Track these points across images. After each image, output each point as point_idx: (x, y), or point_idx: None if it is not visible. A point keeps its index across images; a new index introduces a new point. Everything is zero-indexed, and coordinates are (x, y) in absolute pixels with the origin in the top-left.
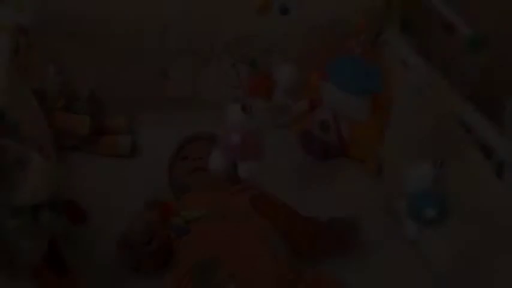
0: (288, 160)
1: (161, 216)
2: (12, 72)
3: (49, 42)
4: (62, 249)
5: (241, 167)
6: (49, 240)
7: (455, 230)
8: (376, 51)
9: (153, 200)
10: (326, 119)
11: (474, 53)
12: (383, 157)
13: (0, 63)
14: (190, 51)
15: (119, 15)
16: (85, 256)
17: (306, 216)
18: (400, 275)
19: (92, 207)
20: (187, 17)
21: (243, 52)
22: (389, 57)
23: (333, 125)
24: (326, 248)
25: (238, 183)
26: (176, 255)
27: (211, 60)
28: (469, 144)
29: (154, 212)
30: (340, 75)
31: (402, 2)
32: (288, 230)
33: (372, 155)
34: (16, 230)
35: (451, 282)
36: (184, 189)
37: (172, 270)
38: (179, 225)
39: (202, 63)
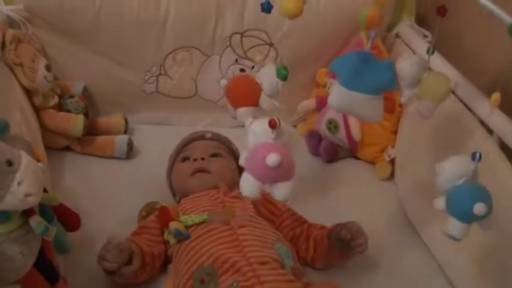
0: (295, 160)
1: (159, 222)
2: (1, 69)
3: (41, 37)
4: (54, 255)
5: (277, 189)
6: (40, 246)
7: (474, 235)
8: (388, 45)
9: (150, 205)
10: (334, 118)
11: None
12: (395, 159)
13: None
14: (190, 47)
15: (113, 8)
16: (78, 263)
17: (311, 223)
18: (416, 282)
19: (86, 212)
20: (186, 10)
21: (246, 47)
22: (402, 51)
23: (341, 124)
24: (330, 258)
25: None
26: (176, 262)
27: (213, 57)
28: (490, 146)
29: (153, 217)
30: (347, 73)
31: None
32: (292, 237)
33: (383, 156)
34: (6, 236)
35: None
36: (185, 193)
37: (172, 278)
38: (179, 231)
39: (202, 60)
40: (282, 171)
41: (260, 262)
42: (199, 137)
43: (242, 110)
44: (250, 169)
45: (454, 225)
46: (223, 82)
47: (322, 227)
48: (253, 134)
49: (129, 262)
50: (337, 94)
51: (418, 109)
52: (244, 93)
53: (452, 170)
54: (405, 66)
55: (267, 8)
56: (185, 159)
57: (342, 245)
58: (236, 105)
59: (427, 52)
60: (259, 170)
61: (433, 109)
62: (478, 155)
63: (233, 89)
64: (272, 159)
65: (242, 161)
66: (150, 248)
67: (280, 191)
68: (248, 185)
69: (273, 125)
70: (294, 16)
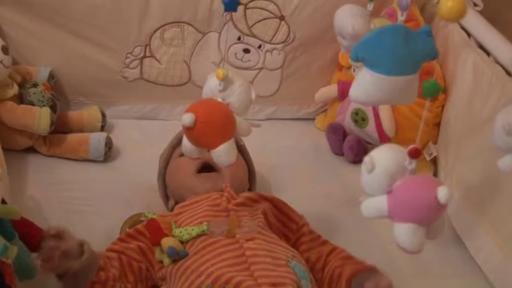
0: (313, 161)
1: (150, 240)
2: None
3: None
4: (14, 281)
5: (435, 228)
6: None
7: None
8: (427, 15)
9: (134, 218)
10: (361, 108)
11: None
12: (438, 158)
13: None
14: (182, 22)
15: None
16: None
17: (331, 247)
18: None
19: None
20: None
21: (251, 22)
22: (445, 24)
23: (370, 115)
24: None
25: (249, 190)
26: (169, 285)
27: (209, 34)
28: None
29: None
30: (388, 56)
31: None
32: (307, 261)
33: (423, 155)
34: None
35: None
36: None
37: None
38: (173, 249)
39: (197, 39)
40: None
41: (271, 283)
42: None
43: (224, 148)
44: (415, 216)
45: None
46: (190, 118)
47: (343, 258)
48: (383, 174)
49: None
50: (371, 84)
51: None
52: (221, 126)
53: None
54: (344, 22)
55: (230, 5)
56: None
57: None
58: (214, 144)
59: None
60: (430, 212)
61: None
62: None
63: (206, 124)
64: (446, 193)
65: (373, 212)
66: (119, 256)
67: (437, 230)
68: (419, 236)
69: (416, 154)
70: (456, 20)
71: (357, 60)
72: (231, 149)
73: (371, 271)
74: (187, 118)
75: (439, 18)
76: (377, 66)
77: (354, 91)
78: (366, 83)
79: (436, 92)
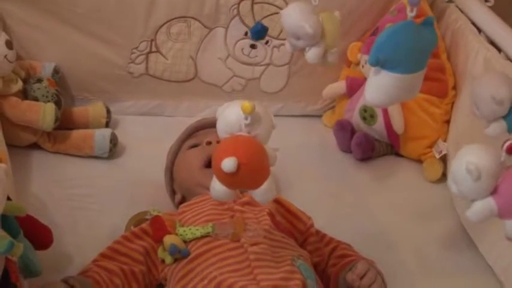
0: (320, 158)
1: (152, 237)
2: None
3: None
4: (20, 279)
5: None
6: (3, 267)
7: None
8: (438, 12)
9: (139, 216)
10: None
11: None
12: (448, 155)
13: None
14: (188, 17)
15: None
16: None
17: (333, 245)
18: None
19: (60, 225)
20: None
21: (259, 17)
22: (455, 20)
23: (379, 112)
24: None
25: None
26: (173, 283)
27: (216, 30)
28: None
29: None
30: (408, 56)
31: None
32: (318, 259)
33: (433, 152)
34: None
35: None
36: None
37: None
38: (175, 247)
39: (203, 34)
40: None
41: (274, 286)
42: (211, 124)
43: (268, 185)
44: None
45: None
46: (233, 163)
47: (338, 257)
48: (488, 178)
49: None
50: (391, 86)
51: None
52: (262, 164)
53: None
54: (298, 22)
55: (258, 33)
56: (194, 146)
57: None
58: (257, 184)
59: None
60: None
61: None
62: None
63: (249, 165)
64: None
65: (484, 216)
66: (120, 267)
67: None
68: None
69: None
70: None
71: (377, 64)
72: (273, 184)
73: (354, 263)
74: (231, 164)
75: None
76: (397, 66)
77: (373, 96)
78: (386, 86)
79: None
